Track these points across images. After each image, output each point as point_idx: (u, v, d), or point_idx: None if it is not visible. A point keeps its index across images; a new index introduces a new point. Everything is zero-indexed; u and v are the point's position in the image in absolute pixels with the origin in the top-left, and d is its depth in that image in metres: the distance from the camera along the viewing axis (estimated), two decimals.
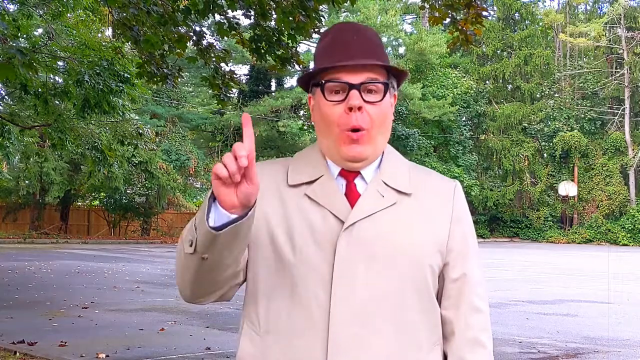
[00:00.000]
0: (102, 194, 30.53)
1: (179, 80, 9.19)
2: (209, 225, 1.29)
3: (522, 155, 43.14)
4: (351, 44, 1.45)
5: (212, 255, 1.34)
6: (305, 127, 34.10)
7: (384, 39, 41.80)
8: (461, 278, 1.51)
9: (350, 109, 1.42)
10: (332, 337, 1.38)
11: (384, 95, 1.45)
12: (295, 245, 1.43)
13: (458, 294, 1.51)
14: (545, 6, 49.93)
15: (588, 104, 43.02)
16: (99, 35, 12.02)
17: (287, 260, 1.43)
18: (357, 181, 1.49)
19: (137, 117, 24.51)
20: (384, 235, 1.43)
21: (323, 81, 1.45)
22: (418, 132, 37.49)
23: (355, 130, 1.43)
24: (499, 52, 45.70)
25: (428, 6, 7.39)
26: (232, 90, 8.99)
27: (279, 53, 7.78)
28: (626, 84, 42.46)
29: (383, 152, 1.53)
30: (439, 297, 1.52)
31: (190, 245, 1.35)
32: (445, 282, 1.51)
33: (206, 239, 1.31)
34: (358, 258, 1.41)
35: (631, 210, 40.40)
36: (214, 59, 8.05)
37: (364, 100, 1.43)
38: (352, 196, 1.47)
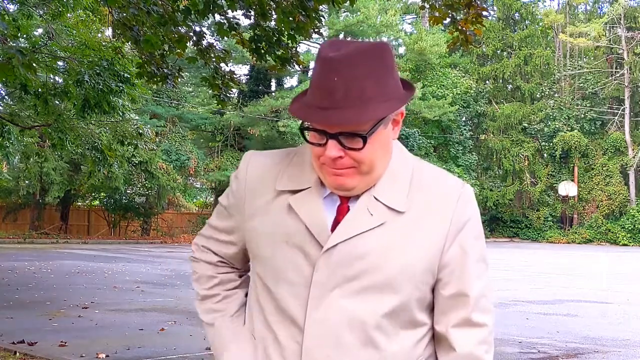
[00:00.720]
0: (102, 194, 30.54)
1: (179, 80, 9.19)
2: None
3: (522, 155, 43.14)
4: (333, 88, 1.29)
5: None
6: None
7: (384, 39, 41.79)
8: (455, 295, 1.43)
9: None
10: (305, 358, 1.39)
11: (364, 144, 1.33)
12: (276, 263, 1.43)
13: (452, 311, 1.44)
14: (545, 6, 49.98)
15: (588, 104, 43.03)
16: (99, 35, 12.01)
17: (271, 276, 1.44)
18: (351, 200, 1.42)
19: (137, 117, 24.51)
20: (366, 258, 1.37)
21: (304, 125, 1.37)
22: (418, 132, 37.50)
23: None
24: (499, 52, 45.72)
25: (428, 6, 7.39)
26: (232, 91, 8.99)
27: (279, 53, 7.78)
28: (626, 84, 42.46)
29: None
30: (434, 312, 1.46)
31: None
32: (439, 299, 1.45)
33: None
34: (334, 281, 1.38)
35: (631, 210, 40.40)
36: (214, 59, 8.05)
37: (345, 147, 1.33)
38: (342, 212, 1.41)
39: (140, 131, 12.74)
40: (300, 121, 1.38)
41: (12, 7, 11.00)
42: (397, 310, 1.39)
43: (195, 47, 8.17)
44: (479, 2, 7.02)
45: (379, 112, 1.32)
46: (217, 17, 7.66)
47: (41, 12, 11.16)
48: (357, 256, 1.37)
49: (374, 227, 1.38)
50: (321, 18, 7.57)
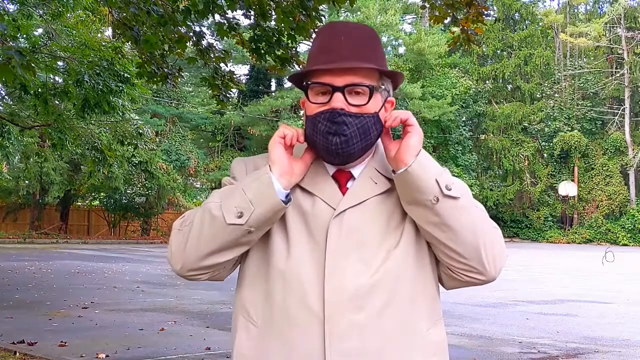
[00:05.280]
0: (102, 194, 30.54)
1: (179, 80, 9.17)
2: (282, 200, 1.38)
3: (522, 155, 43.15)
4: (338, 45, 1.43)
5: (258, 229, 1.40)
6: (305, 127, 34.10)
7: (384, 39, 41.82)
8: None
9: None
10: (329, 326, 1.38)
11: (369, 99, 1.43)
12: (288, 234, 1.44)
13: None
14: (545, 6, 50.00)
15: (588, 104, 43.04)
16: (99, 35, 12.00)
17: (279, 250, 1.43)
18: (350, 184, 1.49)
19: (137, 117, 24.52)
20: (375, 222, 1.43)
21: (308, 83, 1.45)
22: None
23: None
24: (499, 52, 45.74)
25: (429, 6, 7.38)
26: (231, 91, 8.97)
27: (279, 53, 7.77)
28: (626, 84, 42.46)
29: (377, 147, 1.53)
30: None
31: (240, 217, 1.37)
32: None
33: (269, 213, 1.38)
34: (349, 245, 1.41)
35: (631, 210, 40.40)
36: (213, 60, 8.04)
37: (349, 103, 1.41)
38: (342, 179, 1.49)
39: (140, 131, 12.74)
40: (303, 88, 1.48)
41: (12, 7, 10.99)
42: (411, 268, 1.44)
43: (195, 47, 8.16)
44: (479, 1, 7.01)
45: (380, 65, 1.45)
46: (217, 17, 7.65)
47: (41, 12, 11.15)
48: (368, 220, 1.43)
49: (380, 193, 1.46)
50: (321, 17, 7.56)
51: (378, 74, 1.46)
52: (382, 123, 1.47)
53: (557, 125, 42.08)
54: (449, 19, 7.26)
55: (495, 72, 44.40)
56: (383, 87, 1.47)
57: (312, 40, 1.54)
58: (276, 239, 1.45)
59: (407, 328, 1.43)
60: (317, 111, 1.44)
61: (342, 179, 1.49)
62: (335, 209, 1.43)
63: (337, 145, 1.41)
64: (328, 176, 1.48)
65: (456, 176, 1.50)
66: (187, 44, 7.74)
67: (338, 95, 1.40)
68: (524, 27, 45.97)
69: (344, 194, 1.47)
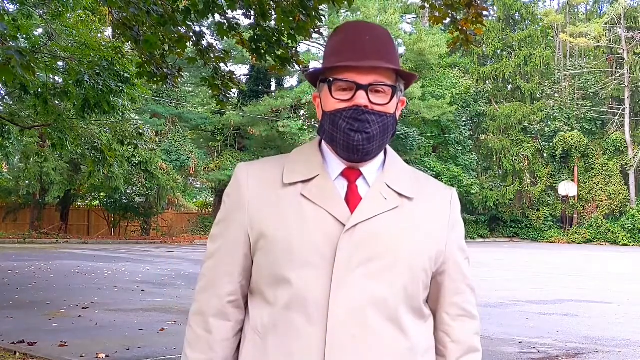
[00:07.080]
0: (102, 194, 30.53)
1: (179, 80, 9.17)
2: None
3: (522, 155, 43.15)
4: (363, 44, 1.45)
5: None
6: (305, 127, 34.07)
7: None
8: (460, 288, 1.56)
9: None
10: (330, 338, 1.38)
11: (391, 98, 1.46)
12: (293, 247, 1.43)
13: (453, 303, 1.55)
14: (545, 6, 50.02)
15: (588, 104, 43.04)
16: (99, 35, 12.00)
17: (286, 263, 1.43)
18: (359, 182, 1.48)
19: (137, 117, 24.50)
20: (384, 239, 1.43)
21: (331, 79, 1.45)
22: (417, 132, 37.50)
23: None
24: (499, 52, 45.75)
25: (428, 6, 7.38)
26: (231, 91, 8.96)
27: (279, 53, 7.77)
28: (626, 84, 42.46)
29: (386, 154, 1.54)
30: (435, 301, 1.56)
31: None
32: (443, 290, 1.55)
33: None
34: (357, 260, 1.41)
35: (631, 210, 40.40)
36: (213, 60, 8.04)
37: (370, 102, 1.43)
38: (353, 198, 1.46)
39: (140, 131, 12.74)
40: (324, 80, 1.49)
41: (12, 7, 10.99)
42: (412, 291, 1.46)
43: (195, 47, 8.15)
44: (479, 2, 7.01)
45: (399, 66, 1.49)
46: (217, 17, 7.65)
47: (41, 12, 11.16)
48: (377, 236, 1.43)
49: (390, 209, 1.46)
50: (322, 17, 7.56)
51: (395, 74, 1.49)
52: (397, 124, 1.51)
53: (557, 125, 42.08)
54: (448, 19, 7.26)
55: (496, 72, 44.40)
56: (399, 88, 1.51)
57: (329, 37, 1.56)
58: (284, 251, 1.44)
59: (407, 347, 1.44)
60: (337, 107, 1.45)
61: (351, 176, 1.49)
62: (344, 224, 1.42)
63: (359, 142, 1.43)
64: (336, 190, 1.47)
65: (456, 176, 1.51)
66: (187, 44, 7.74)
67: (361, 93, 1.43)
68: (524, 27, 45.99)
69: (354, 191, 1.47)
